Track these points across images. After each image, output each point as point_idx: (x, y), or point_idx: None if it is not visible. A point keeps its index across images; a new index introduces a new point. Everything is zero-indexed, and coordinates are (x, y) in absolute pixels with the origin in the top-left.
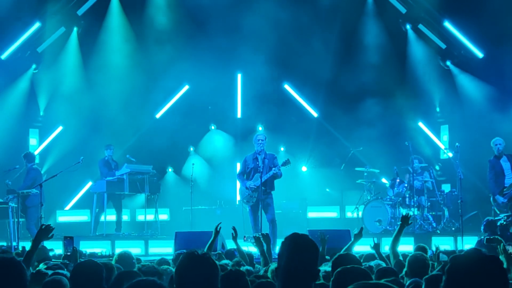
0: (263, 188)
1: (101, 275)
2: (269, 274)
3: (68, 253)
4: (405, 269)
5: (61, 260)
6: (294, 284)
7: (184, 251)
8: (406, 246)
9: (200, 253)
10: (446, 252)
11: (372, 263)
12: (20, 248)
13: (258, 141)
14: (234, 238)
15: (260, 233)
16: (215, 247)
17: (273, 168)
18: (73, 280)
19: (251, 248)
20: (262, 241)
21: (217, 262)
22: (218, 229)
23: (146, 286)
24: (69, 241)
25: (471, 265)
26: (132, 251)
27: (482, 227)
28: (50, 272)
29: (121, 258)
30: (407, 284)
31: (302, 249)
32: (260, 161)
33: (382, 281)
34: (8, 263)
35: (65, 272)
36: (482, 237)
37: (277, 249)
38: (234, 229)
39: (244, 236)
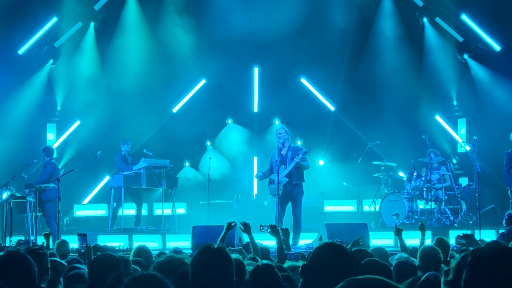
0: (287, 179)
1: (119, 268)
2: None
3: (82, 250)
4: (417, 263)
5: (77, 254)
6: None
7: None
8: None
9: (215, 247)
10: (465, 236)
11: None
12: (40, 243)
13: (277, 135)
14: (247, 230)
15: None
16: (232, 241)
17: (295, 158)
18: (91, 274)
19: (272, 242)
20: (280, 233)
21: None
22: (232, 225)
23: (147, 281)
24: (82, 238)
25: (493, 257)
26: (149, 245)
27: (504, 221)
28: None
29: (138, 252)
30: (424, 276)
31: (335, 254)
32: (277, 155)
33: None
34: (14, 257)
35: (82, 266)
36: (503, 230)
37: (299, 243)
38: (246, 223)
39: (261, 226)
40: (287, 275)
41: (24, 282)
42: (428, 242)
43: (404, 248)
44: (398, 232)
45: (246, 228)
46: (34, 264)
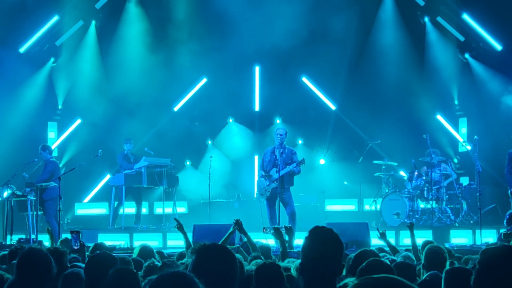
0: (279, 183)
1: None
2: (293, 270)
3: (75, 248)
4: (422, 262)
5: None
6: (318, 279)
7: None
8: (421, 240)
9: (217, 245)
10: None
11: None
12: (43, 240)
13: (277, 135)
14: (241, 231)
15: (283, 226)
16: (232, 240)
17: (290, 165)
18: (88, 273)
19: (270, 241)
20: (285, 234)
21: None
22: (236, 223)
23: (177, 279)
24: (76, 235)
25: (502, 257)
26: (150, 244)
27: (505, 221)
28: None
29: (142, 251)
30: (424, 276)
31: (326, 243)
32: (278, 154)
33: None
34: (37, 254)
35: (82, 264)
36: (504, 230)
37: (294, 242)
38: (238, 221)
39: (264, 228)
40: (289, 274)
41: (43, 281)
42: None
43: (393, 248)
44: (383, 236)
45: (240, 226)
46: (54, 264)
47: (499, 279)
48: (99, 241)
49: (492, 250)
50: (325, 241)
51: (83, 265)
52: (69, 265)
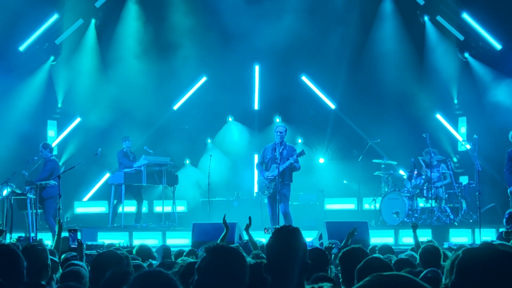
0: (280, 179)
1: (122, 266)
2: None
3: (73, 246)
4: (417, 261)
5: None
6: (283, 278)
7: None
8: (424, 239)
9: (230, 247)
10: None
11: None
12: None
13: (277, 132)
14: (247, 228)
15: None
16: (232, 239)
17: (290, 158)
18: (93, 271)
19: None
20: None
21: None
22: (226, 223)
23: (153, 278)
24: (74, 233)
25: (483, 259)
26: (149, 243)
27: (504, 220)
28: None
29: (139, 251)
30: (423, 273)
31: (289, 243)
32: (277, 152)
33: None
34: (3, 250)
35: (79, 262)
36: (503, 229)
37: None
38: (250, 219)
39: (265, 228)
40: None
41: (12, 276)
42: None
43: (417, 245)
44: (414, 228)
45: (248, 226)
46: (23, 258)
47: (476, 282)
48: (98, 240)
49: (473, 250)
50: (288, 240)
51: (81, 263)
52: (49, 262)
